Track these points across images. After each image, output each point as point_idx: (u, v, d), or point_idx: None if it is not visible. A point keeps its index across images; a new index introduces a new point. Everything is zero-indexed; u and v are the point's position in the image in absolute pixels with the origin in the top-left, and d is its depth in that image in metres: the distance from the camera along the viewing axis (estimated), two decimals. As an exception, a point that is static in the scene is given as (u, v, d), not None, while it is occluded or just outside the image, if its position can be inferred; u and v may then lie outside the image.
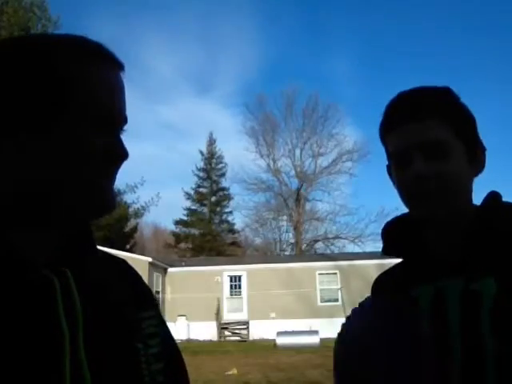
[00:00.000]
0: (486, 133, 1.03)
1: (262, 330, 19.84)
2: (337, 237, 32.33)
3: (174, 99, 59.95)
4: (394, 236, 1.00)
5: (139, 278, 0.80)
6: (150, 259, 19.54)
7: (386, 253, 1.01)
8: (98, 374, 0.61)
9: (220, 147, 37.35)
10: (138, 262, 20.60)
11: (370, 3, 49.56)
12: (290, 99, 34.31)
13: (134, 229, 31.09)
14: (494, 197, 0.94)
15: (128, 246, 29.79)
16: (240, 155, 46.36)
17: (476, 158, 0.93)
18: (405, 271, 0.98)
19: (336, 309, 19.16)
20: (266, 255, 31.43)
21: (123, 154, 0.68)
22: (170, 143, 62.29)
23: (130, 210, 29.76)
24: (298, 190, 33.54)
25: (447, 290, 0.87)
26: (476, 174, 0.94)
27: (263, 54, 59.26)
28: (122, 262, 0.80)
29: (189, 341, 18.82)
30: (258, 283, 20.28)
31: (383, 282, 1.04)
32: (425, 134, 0.87)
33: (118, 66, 0.70)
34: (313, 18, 53.16)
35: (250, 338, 19.76)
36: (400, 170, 0.92)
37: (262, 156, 34.16)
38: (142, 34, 56.44)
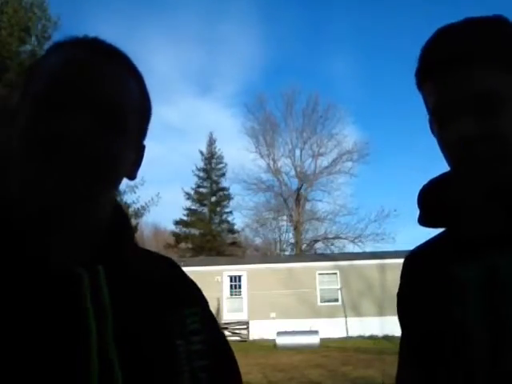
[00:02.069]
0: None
1: (262, 330, 19.83)
2: (337, 237, 32.31)
3: (174, 99, 59.99)
4: (434, 203, 0.82)
5: (183, 275, 0.81)
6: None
7: (426, 222, 0.83)
8: (130, 371, 0.61)
9: (220, 147, 37.39)
10: (138, 262, 20.60)
11: (370, 3, 49.60)
12: (290, 99, 34.32)
13: (134, 229, 30.83)
14: None
15: (128, 246, 29.70)
16: (240, 155, 46.42)
17: None
18: (447, 244, 0.80)
19: (336, 309, 19.17)
20: (266, 255, 31.43)
21: (68, 136, 0.60)
22: (170, 143, 62.29)
23: (130, 210, 29.73)
24: (298, 190, 33.53)
25: (503, 270, 0.69)
26: None
27: (263, 54, 59.31)
28: (165, 260, 0.81)
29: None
30: (258, 283, 20.27)
31: (422, 257, 0.85)
32: (471, 85, 0.70)
33: (93, 50, 0.66)
34: (313, 18, 53.20)
35: (250, 338, 19.76)
36: (443, 129, 0.74)
37: (262, 156, 34.18)
38: (142, 33, 56.44)
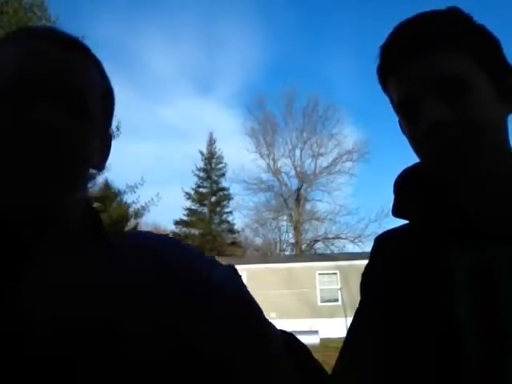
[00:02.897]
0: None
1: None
2: (337, 237, 32.28)
3: (174, 99, 59.98)
4: (409, 193, 0.77)
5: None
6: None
7: (399, 214, 0.78)
8: None
9: (220, 147, 37.41)
10: (138, 262, 20.57)
11: (370, 3, 49.62)
12: (290, 99, 34.31)
13: (134, 229, 31.06)
14: None
15: (128, 246, 29.72)
16: (240, 155, 46.42)
17: (507, 90, 0.71)
18: (426, 236, 0.74)
19: (336, 309, 19.16)
20: (266, 255, 31.41)
21: (23, 124, 0.58)
22: (170, 143, 62.31)
23: (130, 210, 29.77)
24: (298, 190, 33.53)
25: (497, 262, 0.65)
26: (511, 111, 0.72)
27: (263, 55, 59.31)
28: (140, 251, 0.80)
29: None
30: (258, 283, 20.27)
31: (393, 243, 0.80)
32: (434, 71, 0.67)
33: (49, 39, 0.65)
34: (313, 18, 53.21)
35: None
36: (411, 124, 0.71)
37: (261, 156, 34.14)
38: (142, 33, 56.44)
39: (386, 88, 0.75)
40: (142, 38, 58.75)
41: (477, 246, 0.67)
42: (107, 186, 29.45)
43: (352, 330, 0.81)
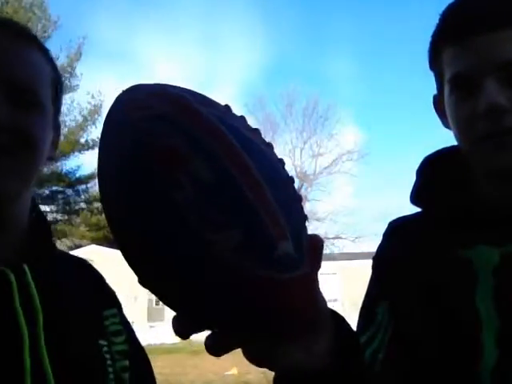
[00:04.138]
0: None
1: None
2: (337, 237, 32.31)
3: (174, 99, 59.83)
4: (432, 180, 0.73)
5: (101, 278, 0.81)
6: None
7: (418, 199, 0.75)
8: (61, 371, 0.61)
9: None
10: (138, 262, 20.53)
11: (370, 2, 49.62)
12: (290, 99, 34.29)
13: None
14: None
15: (128, 246, 29.73)
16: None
17: None
18: (449, 225, 0.71)
19: (336, 309, 19.08)
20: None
21: None
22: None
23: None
24: (298, 190, 33.52)
25: None
26: None
27: (263, 54, 59.34)
28: (84, 263, 0.81)
29: (189, 340, 18.80)
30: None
31: (407, 230, 0.77)
32: (499, 51, 0.62)
33: (13, 36, 0.66)
34: (314, 18, 53.21)
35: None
36: (462, 101, 0.66)
37: (262, 156, 34.11)
38: (142, 33, 56.45)
39: (437, 57, 0.70)
40: (142, 37, 58.77)
41: (502, 243, 0.64)
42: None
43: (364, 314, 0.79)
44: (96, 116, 20.50)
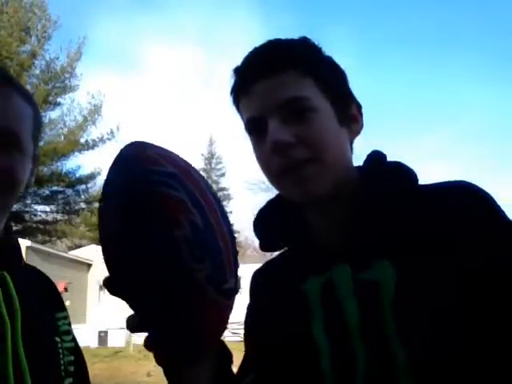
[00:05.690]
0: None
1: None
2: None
3: (173, 99, 59.98)
4: (272, 225, 0.80)
5: (53, 284, 0.95)
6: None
7: (266, 248, 0.81)
8: (31, 358, 0.74)
9: (220, 147, 37.43)
10: (138, 262, 20.48)
11: (370, 4, 49.62)
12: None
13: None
14: (376, 159, 0.76)
15: (128, 246, 29.71)
16: (240, 155, 46.39)
17: (350, 117, 0.75)
18: (290, 262, 0.79)
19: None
20: (266, 255, 31.29)
21: None
22: (170, 143, 62.15)
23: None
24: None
25: (337, 282, 0.69)
26: (353, 136, 0.76)
27: (263, 54, 59.32)
28: (39, 272, 0.94)
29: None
30: (258, 283, 20.21)
31: (266, 277, 0.85)
32: (278, 92, 0.69)
33: None
34: (314, 18, 53.23)
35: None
36: (258, 144, 0.73)
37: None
38: (141, 33, 56.47)
39: (238, 107, 0.77)
40: (142, 37, 58.78)
41: (322, 271, 0.71)
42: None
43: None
44: (96, 116, 20.48)
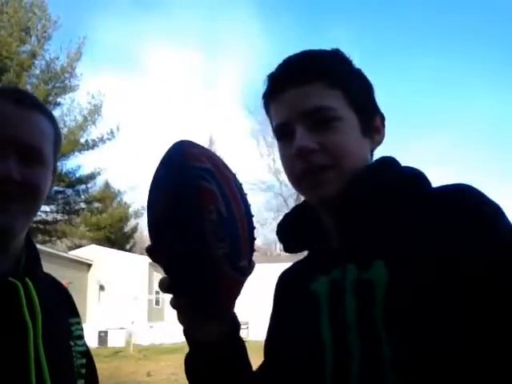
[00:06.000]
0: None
1: (262, 330, 19.76)
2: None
3: (173, 99, 59.99)
4: (294, 229, 0.85)
5: (68, 292, 1.01)
6: (150, 259, 19.50)
7: (288, 250, 0.87)
8: (51, 358, 0.79)
9: (220, 148, 37.37)
10: (138, 261, 20.55)
11: (369, 3, 49.61)
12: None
13: (134, 229, 31.11)
14: (382, 164, 0.78)
15: (128, 246, 29.79)
16: (240, 155, 46.39)
17: (373, 128, 0.79)
18: (307, 264, 0.86)
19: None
20: (266, 255, 31.42)
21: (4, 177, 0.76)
22: (169, 143, 62.17)
23: (130, 210, 29.80)
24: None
25: (342, 281, 0.73)
26: (375, 146, 0.81)
27: (263, 54, 59.33)
28: (56, 281, 0.99)
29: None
30: (258, 283, 20.26)
31: (287, 278, 0.91)
32: (306, 101, 0.74)
33: (18, 103, 0.82)
34: (314, 19, 53.22)
35: (250, 338, 19.73)
36: (284, 147, 0.79)
37: (262, 156, 34.12)
38: (141, 33, 56.43)
39: (268, 113, 0.83)
40: (142, 37, 58.79)
41: (330, 270, 0.76)
42: (107, 186, 29.53)
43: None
44: (96, 116, 20.51)
